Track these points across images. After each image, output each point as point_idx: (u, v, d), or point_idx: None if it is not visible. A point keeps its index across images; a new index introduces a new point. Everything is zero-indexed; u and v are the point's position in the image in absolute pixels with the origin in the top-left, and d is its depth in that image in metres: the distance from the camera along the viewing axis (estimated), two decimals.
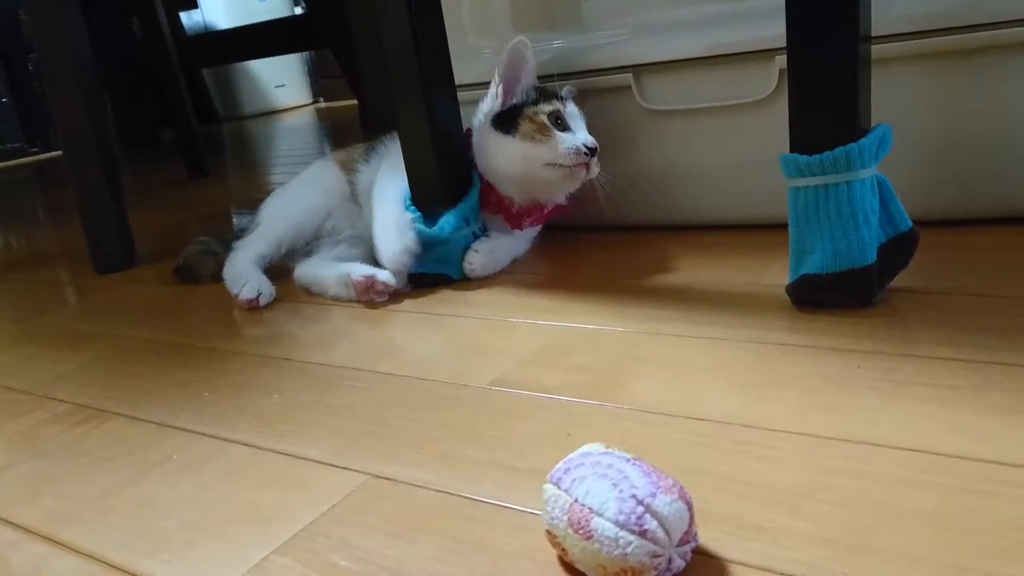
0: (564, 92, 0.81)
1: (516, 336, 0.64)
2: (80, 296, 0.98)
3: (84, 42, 1.04)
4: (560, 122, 0.77)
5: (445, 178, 0.79)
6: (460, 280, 0.80)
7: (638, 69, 0.81)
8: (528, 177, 0.78)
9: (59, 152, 3.31)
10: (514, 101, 0.80)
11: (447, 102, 0.80)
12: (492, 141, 0.79)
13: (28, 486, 0.51)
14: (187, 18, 3.36)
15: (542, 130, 0.76)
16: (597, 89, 0.84)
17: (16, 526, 0.47)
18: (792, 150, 0.58)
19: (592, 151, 0.76)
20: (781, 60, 0.73)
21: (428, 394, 0.56)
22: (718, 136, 0.79)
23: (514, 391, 0.54)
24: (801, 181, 0.58)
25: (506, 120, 0.78)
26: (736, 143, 0.79)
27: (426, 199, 0.79)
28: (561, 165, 0.76)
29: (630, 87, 0.82)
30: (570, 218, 0.87)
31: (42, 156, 3.31)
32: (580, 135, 0.77)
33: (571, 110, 0.79)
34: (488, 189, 0.80)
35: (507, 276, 0.80)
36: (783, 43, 0.71)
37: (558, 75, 0.84)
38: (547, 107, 0.77)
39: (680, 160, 0.82)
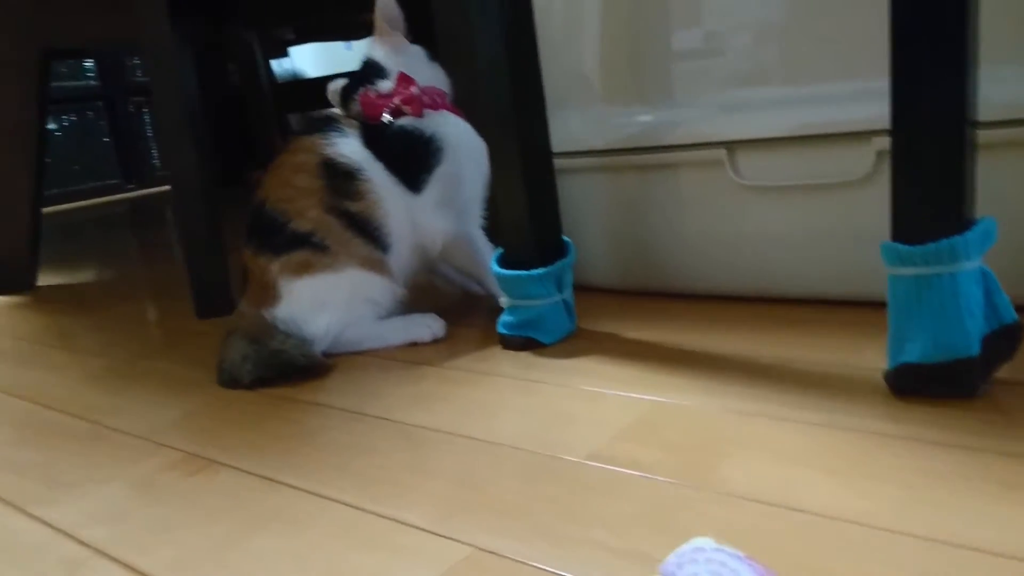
0: None
1: (607, 408, 0.65)
2: (182, 340, 1.04)
3: (195, 91, 1.11)
4: None
5: (539, 237, 0.81)
6: (548, 345, 0.81)
7: (732, 145, 0.83)
8: None
9: (154, 189, 3.50)
10: None
11: (544, 171, 0.82)
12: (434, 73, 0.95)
13: (149, 533, 0.55)
14: (277, 65, 3.53)
15: None
16: (689, 163, 0.86)
17: (140, 573, 0.50)
18: (893, 238, 0.59)
19: None
20: (878, 142, 0.74)
21: (523, 464, 0.57)
22: (811, 213, 0.80)
23: (609, 467, 0.55)
24: (902, 270, 0.58)
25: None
26: (829, 221, 0.79)
27: (516, 258, 0.81)
28: None
29: (723, 162, 0.83)
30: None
31: (137, 193, 3.48)
32: None
33: None
34: None
35: (594, 344, 0.81)
36: (880, 125, 0.73)
37: (647, 148, 0.87)
38: None
39: (771, 234, 0.83)
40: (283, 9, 1.69)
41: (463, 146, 0.90)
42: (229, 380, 0.80)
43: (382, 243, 0.86)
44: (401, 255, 0.88)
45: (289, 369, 0.80)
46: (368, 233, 0.85)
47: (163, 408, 0.78)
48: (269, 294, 0.83)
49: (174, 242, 2.12)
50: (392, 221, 0.86)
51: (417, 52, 0.95)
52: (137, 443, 0.70)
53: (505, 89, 0.78)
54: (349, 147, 0.86)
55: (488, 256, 0.90)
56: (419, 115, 0.88)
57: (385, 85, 0.91)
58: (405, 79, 0.90)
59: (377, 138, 0.87)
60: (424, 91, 0.90)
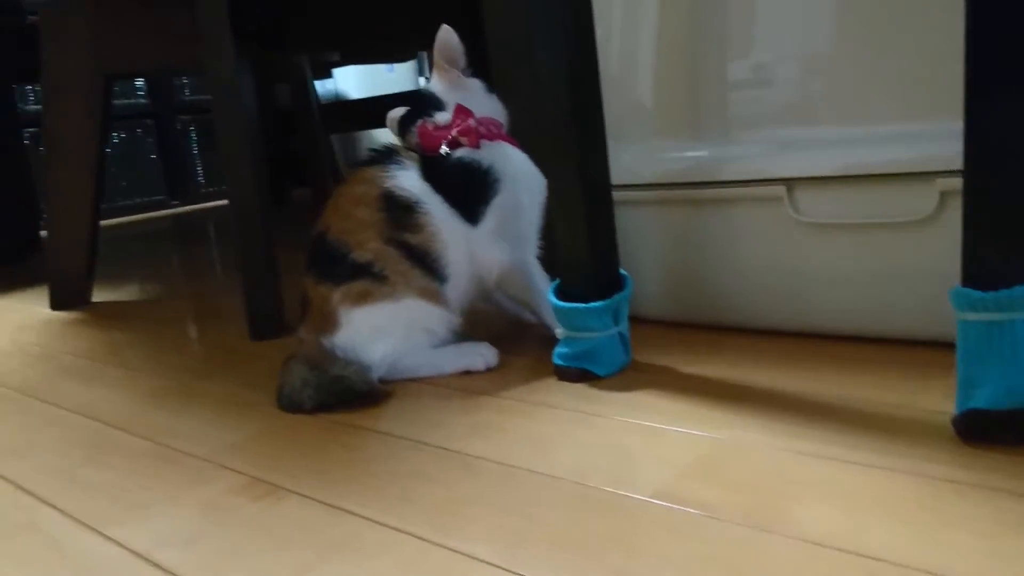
0: None
1: (668, 444, 0.66)
2: (237, 362, 1.05)
3: (255, 114, 1.14)
4: None
5: (597, 270, 0.82)
6: (603, 377, 0.82)
7: (791, 182, 0.83)
8: None
9: (197, 206, 3.57)
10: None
11: (604, 205, 0.83)
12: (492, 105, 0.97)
13: (221, 558, 0.56)
14: (321, 87, 3.60)
15: None
16: (746, 199, 0.86)
17: None
18: (963, 283, 0.59)
19: None
20: (942, 182, 0.74)
21: (587, 500, 0.58)
22: (871, 251, 0.80)
23: (675, 506, 0.55)
24: (972, 315, 0.58)
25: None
26: (890, 259, 0.79)
27: (574, 291, 0.82)
28: None
29: (782, 199, 0.83)
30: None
31: (181, 209, 3.56)
32: None
33: None
34: None
35: (650, 377, 0.81)
36: (944, 166, 0.73)
37: (704, 183, 0.87)
38: None
39: (830, 270, 0.83)
40: (338, 36, 1.73)
41: (519, 176, 0.91)
42: (290, 405, 0.82)
43: (440, 274, 0.87)
44: (458, 285, 0.89)
45: (349, 395, 0.81)
46: (426, 264, 0.86)
47: (224, 430, 0.80)
48: (329, 322, 0.85)
49: (218, 259, 2.16)
50: (450, 252, 0.87)
51: (475, 85, 0.97)
52: (202, 465, 0.72)
53: (567, 123, 0.80)
54: (408, 180, 0.88)
55: (544, 286, 0.91)
56: (476, 146, 0.90)
57: (443, 117, 0.93)
58: (462, 111, 0.92)
59: (435, 170, 0.89)
60: (481, 122, 0.92)
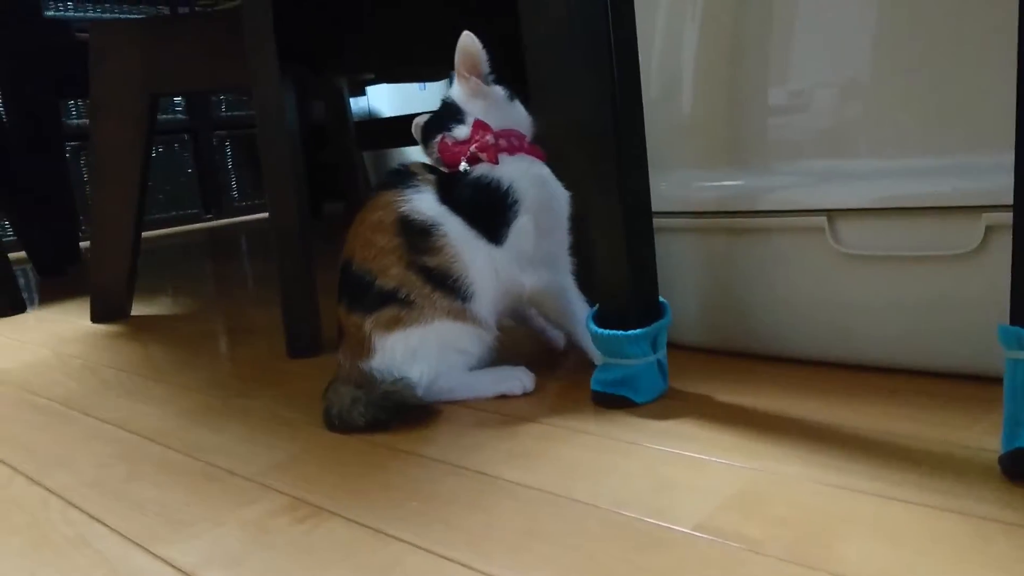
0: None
1: (708, 475, 0.66)
2: (276, 379, 1.07)
3: (297, 134, 1.17)
4: None
5: (637, 297, 0.82)
6: (641, 404, 0.82)
7: (833, 213, 0.83)
8: None
9: (230, 220, 3.63)
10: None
11: (645, 232, 0.84)
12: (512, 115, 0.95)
13: None
14: (355, 103, 3.65)
15: None
16: (786, 228, 0.86)
17: None
18: (1012, 321, 0.58)
19: None
20: (988, 217, 0.73)
21: (631, 531, 0.58)
22: (914, 283, 0.79)
23: (718, 540, 0.55)
24: (1021, 354, 0.57)
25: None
26: (933, 292, 0.78)
27: (613, 317, 0.82)
28: None
29: (823, 229, 0.83)
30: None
31: (216, 222, 3.61)
32: None
33: None
34: None
35: (688, 406, 0.81)
36: (991, 200, 0.72)
37: (743, 212, 0.87)
38: None
39: (871, 302, 0.83)
40: (377, 60, 1.76)
41: (542, 194, 0.90)
42: (342, 424, 0.82)
43: (463, 294, 0.87)
44: (486, 302, 0.88)
45: (403, 408, 0.82)
46: (447, 286, 0.86)
47: (266, 449, 0.81)
48: (364, 348, 0.86)
49: (251, 273, 2.19)
50: (472, 272, 0.87)
51: (497, 93, 0.95)
52: (245, 485, 0.73)
53: (609, 143, 0.80)
54: (424, 203, 0.87)
55: (580, 309, 0.91)
56: (494, 162, 0.89)
57: (462, 131, 0.92)
58: (480, 126, 0.91)
59: (453, 191, 0.89)
60: (501, 134, 0.91)
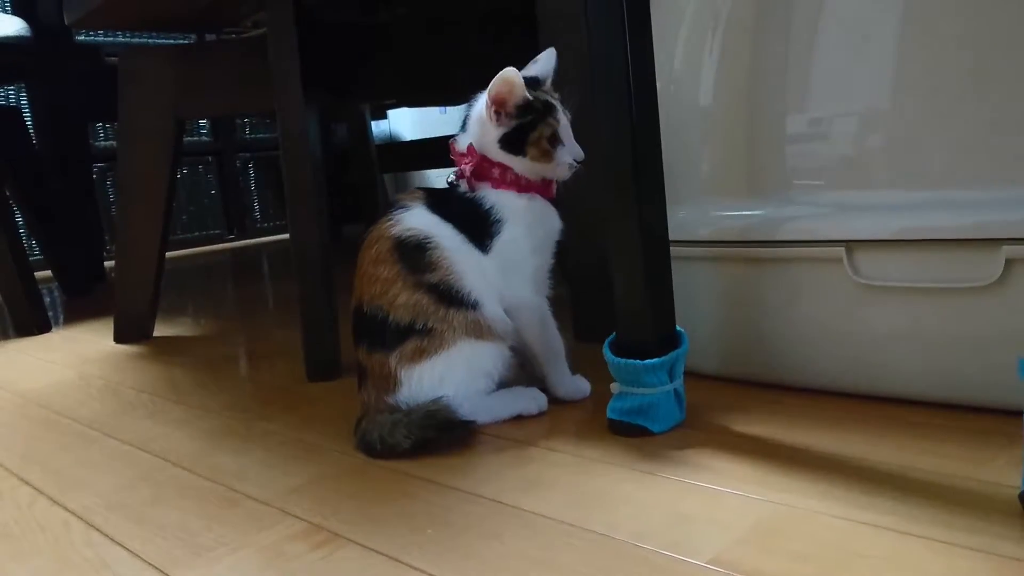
0: (556, 98, 0.92)
1: (725, 507, 0.65)
2: (295, 403, 1.08)
3: (321, 159, 1.18)
4: (555, 139, 0.90)
5: (654, 326, 0.82)
6: (657, 433, 0.82)
7: (851, 244, 0.83)
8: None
9: (252, 240, 3.67)
10: (512, 124, 0.90)
11: (663, 261, 0.84)
12: (505, 158, 0.91)
13: None
14: (376, 127, 3.69)
15: (546, 155, 0.90)
16: (803, 259, 0.86)
17: None
18: None
19: (581, 163, 0.90)
20: (1008, 249, 0.73)
21: (648, 564, 0.58)
22: (933, 315, 0.79)
23: (734, 574, 0.55)
24: None
25: (513, 141, 0.90)
26: (953, 324, 0.78)
27: (630, 346, 0.82)
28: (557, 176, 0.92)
29: (841, 260, 0.83)
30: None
31: (238, 243, 3.65)
32: (569, 146, 0.91)
33: (563, 120, 0.91)
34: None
35: (704, 436, 0.81)
36: (1011, 233, 0.72)
37: (760, 242, 0.88)
38: (547, 130, 0.89)
39: (889, 333, 0.82)
40: (401, 87, 1.78)
41: (523, 219, 0.91)
42: (384, 449, 0.82)
43: (469, 302, 0.87)
44: (491, 307, 0.89)
45: (450, 426, 0.83)
46: (455, 298, 0.87)
47: (284, 474, 0.82)
48: (390, 382, 0.87)
49: (271, 294, 2.21)
50: (469, 277, 0.88)
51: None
52: (263, 509, 0.74)
53: (627, 173, 0.81)
54: (413, 218, 0.89)
55: (554, 336, 0.93)
56: (472, 189, 0.91)
57: (463, 140, 0.93)
58: (471, 152, 0.92)
59: (444, 199, 0.91)
60: (498, 166, 0.91)
